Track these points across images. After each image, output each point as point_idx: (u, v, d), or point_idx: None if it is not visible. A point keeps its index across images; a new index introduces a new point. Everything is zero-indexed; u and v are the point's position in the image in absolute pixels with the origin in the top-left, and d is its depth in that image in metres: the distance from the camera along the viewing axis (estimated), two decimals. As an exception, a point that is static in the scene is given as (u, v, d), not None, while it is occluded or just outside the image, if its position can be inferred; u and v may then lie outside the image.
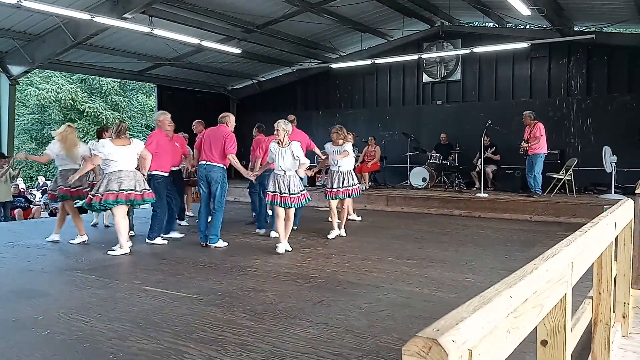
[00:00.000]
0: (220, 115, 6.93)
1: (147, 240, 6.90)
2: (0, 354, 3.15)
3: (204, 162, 6.72)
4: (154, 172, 6.79)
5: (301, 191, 6.35)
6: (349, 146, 7.54)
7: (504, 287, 1.28)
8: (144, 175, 6.41)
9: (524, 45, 11.86)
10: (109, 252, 6.21)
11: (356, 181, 7.74)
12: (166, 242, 6.95)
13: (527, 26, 12.86)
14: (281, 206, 6.26)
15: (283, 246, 6.30)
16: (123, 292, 4.57)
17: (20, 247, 6.78)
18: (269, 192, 6.34)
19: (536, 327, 1.63)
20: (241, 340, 3.36)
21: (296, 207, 6.43)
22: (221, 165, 6.69)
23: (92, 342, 3.35)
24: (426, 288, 4.69)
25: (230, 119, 6.87)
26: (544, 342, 1.80)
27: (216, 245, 6.64)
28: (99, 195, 6.04)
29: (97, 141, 6.77)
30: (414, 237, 7.55)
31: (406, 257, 6.07)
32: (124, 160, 6.16)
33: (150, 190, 6.41)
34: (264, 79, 16.83)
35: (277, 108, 16.45)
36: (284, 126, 6.27)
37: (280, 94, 16.58)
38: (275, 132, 6.30)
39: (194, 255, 6.14)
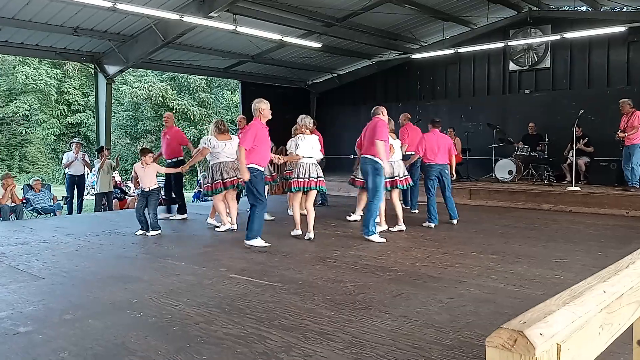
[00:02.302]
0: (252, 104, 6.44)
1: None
2: (99, 334, 3.40)
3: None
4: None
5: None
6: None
7: (596, 281, 1.21)
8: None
9: (620, 29, 11.05)
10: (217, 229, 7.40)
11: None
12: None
13: (625, 9, 11.97)
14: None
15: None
16: (210, 278, 4.77)
17: (117, 235, 7.26)
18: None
19: (632, 326, 1.53)
20: (321, 329, 3.40)
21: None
22: (249, 165, 6.10)
23: (181, 325, 3.53)
24: (512, 284, 4.52)
25: (258, 107, 6.26)
26: (642, 343, 1.68)
27: (251, 244, 6.19)
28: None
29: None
30: (499, 232, 7.29)
31: (490, 252, 5.88)
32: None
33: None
34: (343, 72, 16.86)
35: (357, 101, 16.46)
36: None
37: (359, 87, 16.55)
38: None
39: (275, 246, 6.27)
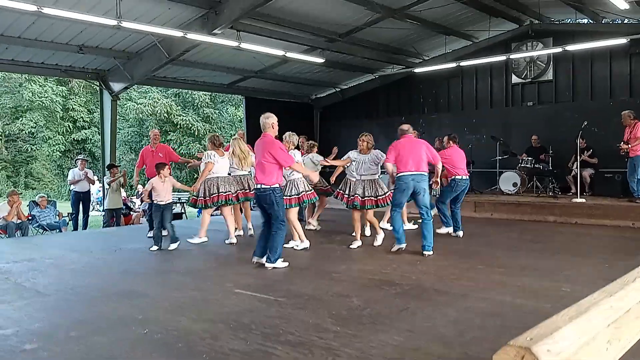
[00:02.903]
0: (262, 119, 6.07)
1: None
2: (104, 350, 3.39)
3: (257, 185, 5.97)
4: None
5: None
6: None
7: (603, 296, 1.21)
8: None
9: (622, 41, 11.06)
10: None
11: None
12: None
13: (626, 20, 12.02)
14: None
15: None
16: (215, 294, 4.77)
17: (122, 251, 7.27)
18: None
19: (641, 340, 1.52)
20: (327, 345, 3.39)
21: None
22: (268, 186, 5.81)
23: (187, 341, 3.52)
24: (519, 297, 4.50)
25: (271, 121, 6.00)
26: (651, 357, 1.67)
27: (274, 265, 5.82)
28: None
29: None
30: (505, 245, 7.28)
31: (496, 265, 5.86)
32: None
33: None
34: (346, 87, 16.94)
35: (359, 115, 16.52)
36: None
37: (362, 101, 16.61)
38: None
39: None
